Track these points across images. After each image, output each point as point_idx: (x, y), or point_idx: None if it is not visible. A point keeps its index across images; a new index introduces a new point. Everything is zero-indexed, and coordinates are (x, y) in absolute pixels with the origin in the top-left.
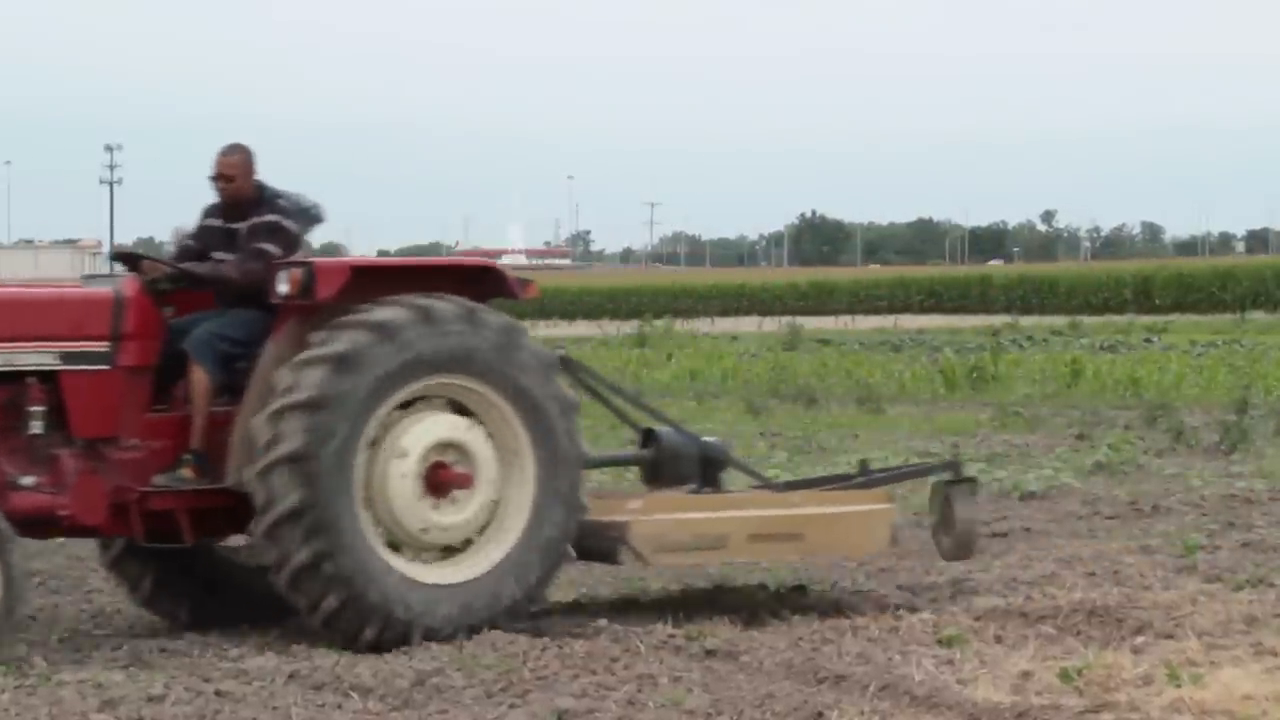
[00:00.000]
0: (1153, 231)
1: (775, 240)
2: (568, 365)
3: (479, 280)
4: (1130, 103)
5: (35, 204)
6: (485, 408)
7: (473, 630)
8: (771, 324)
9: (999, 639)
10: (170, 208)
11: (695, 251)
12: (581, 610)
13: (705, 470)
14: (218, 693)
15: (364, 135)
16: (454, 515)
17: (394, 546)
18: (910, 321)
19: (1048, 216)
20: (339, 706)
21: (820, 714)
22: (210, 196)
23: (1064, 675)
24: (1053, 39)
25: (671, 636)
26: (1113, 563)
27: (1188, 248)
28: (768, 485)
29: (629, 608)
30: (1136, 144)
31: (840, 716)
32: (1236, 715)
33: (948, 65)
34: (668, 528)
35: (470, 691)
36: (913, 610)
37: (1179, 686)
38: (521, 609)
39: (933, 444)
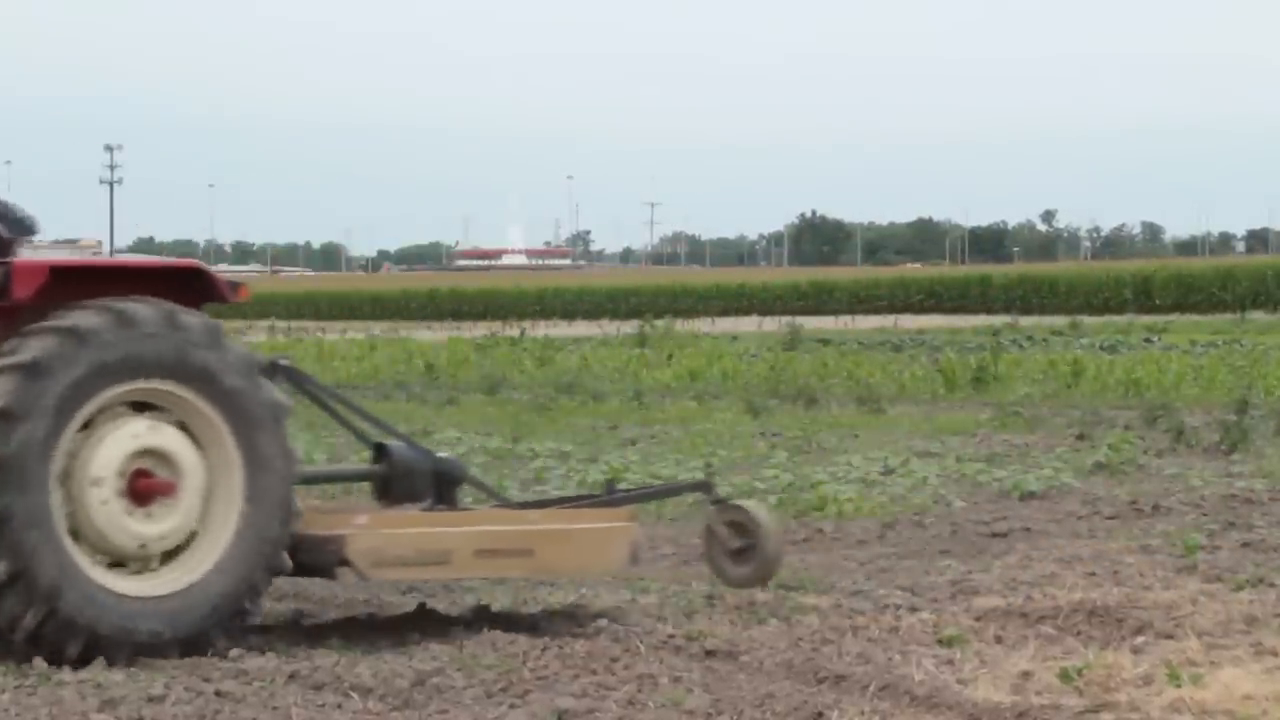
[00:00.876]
0: (1153, 231)
1: (775, 240)
2: (292, 377)
3: (187, 283)
4: (1130, 103)
5: (35, 203)
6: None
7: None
8: (771, 324)
9: (999, 639)
10: (170, 207)
11: (695, 251)
12: (581, 610)
13: (440, 487)
14: (218, 693)
15: (363, 135)
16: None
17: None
18: (910, 321)
19: (1048, 216)
20: (339, 706)
21: (820, 714)
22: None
23: (1064, 675)
24: (1053, 39)
25: (671, 637)
26: (1113, 563)
27: (1188, 247)
28: (506, 503)
29: (629, 608)
30: (1137, 144)
31: (840, 716)
32: (1237, 715)
33: (948, 66)
34: (387, 542)
35: (470, 691)
36: (913, 610)
37: (1179, 686)
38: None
39: (932, 444)
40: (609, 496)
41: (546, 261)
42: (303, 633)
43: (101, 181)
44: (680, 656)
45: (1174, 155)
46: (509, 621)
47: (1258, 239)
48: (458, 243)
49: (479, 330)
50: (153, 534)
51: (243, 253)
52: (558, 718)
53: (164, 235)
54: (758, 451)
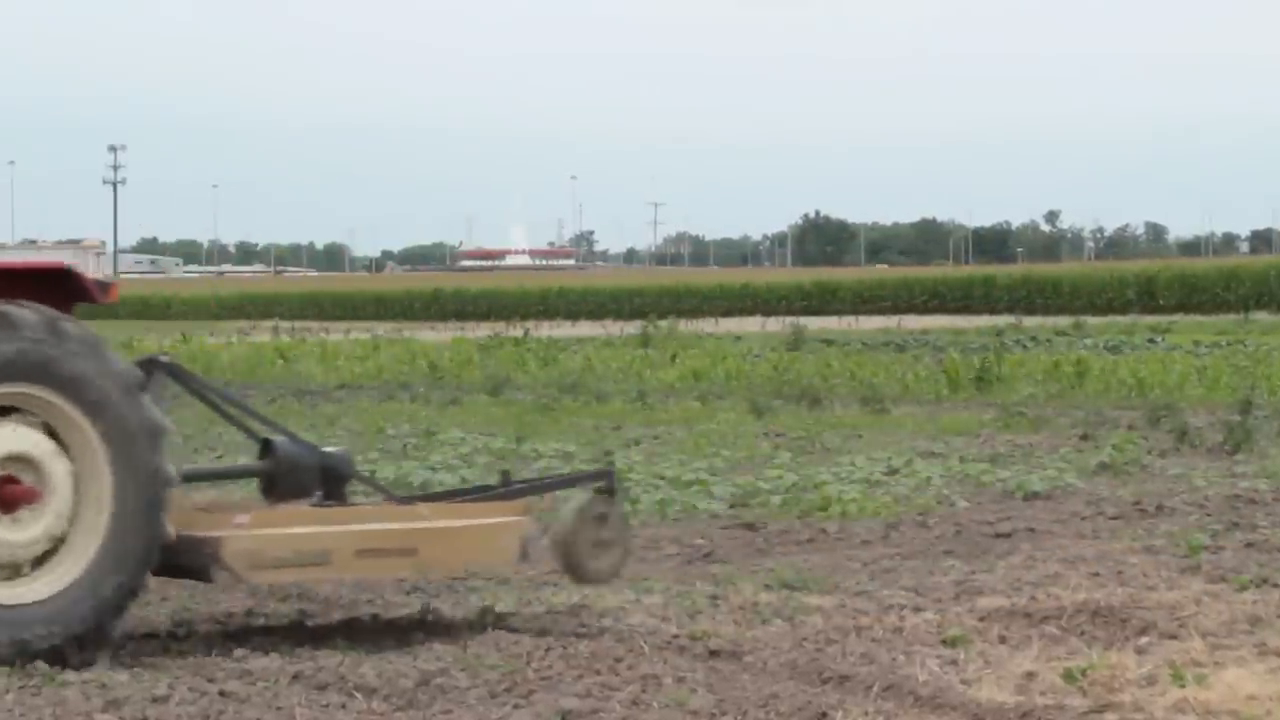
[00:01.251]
0: (1156, 232)
1: (779, 240)
2: (176, 374)
3: (57, 283)
4: (1134, 103)
5: (39, 204)
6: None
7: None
8: (775, 324)
9: (1003, 639)
10: (174, 208)
11: (699, 252)
12: (585, 610)
13: (327, 482)
14: (222, 693)
15: (368, 136)
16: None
17: None
18: (914, 322)
19: (1051, 217)
20: (343, 707)
21: (824, 714)
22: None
23: (1068, 675)
24: (1058, 40)
25: (675, 637)
26: (1117, 563)
27: (1191, 248)
28: (393, 498)
29: (633, 608)
30: (1140, 144)
31: (844, 717)
32: (1240, 715)
33: (952, 66)
34: (265, 543)
35: (474, 691)
36: (917, 610)
37: (1183, 687)
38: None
39: (936, 444)
40: (504, 488)
41: (550, 262)
42: (307, 633)
43: (105, 182)
44: (684, 657)
45: (1178, 155)
46: (513, 622)
47: (1261, 239)
48: (461, 243)
49: (483, 331)
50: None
51: (246, 253)
52: (562, 718)
53: (167, 236)
54: (761, 452)
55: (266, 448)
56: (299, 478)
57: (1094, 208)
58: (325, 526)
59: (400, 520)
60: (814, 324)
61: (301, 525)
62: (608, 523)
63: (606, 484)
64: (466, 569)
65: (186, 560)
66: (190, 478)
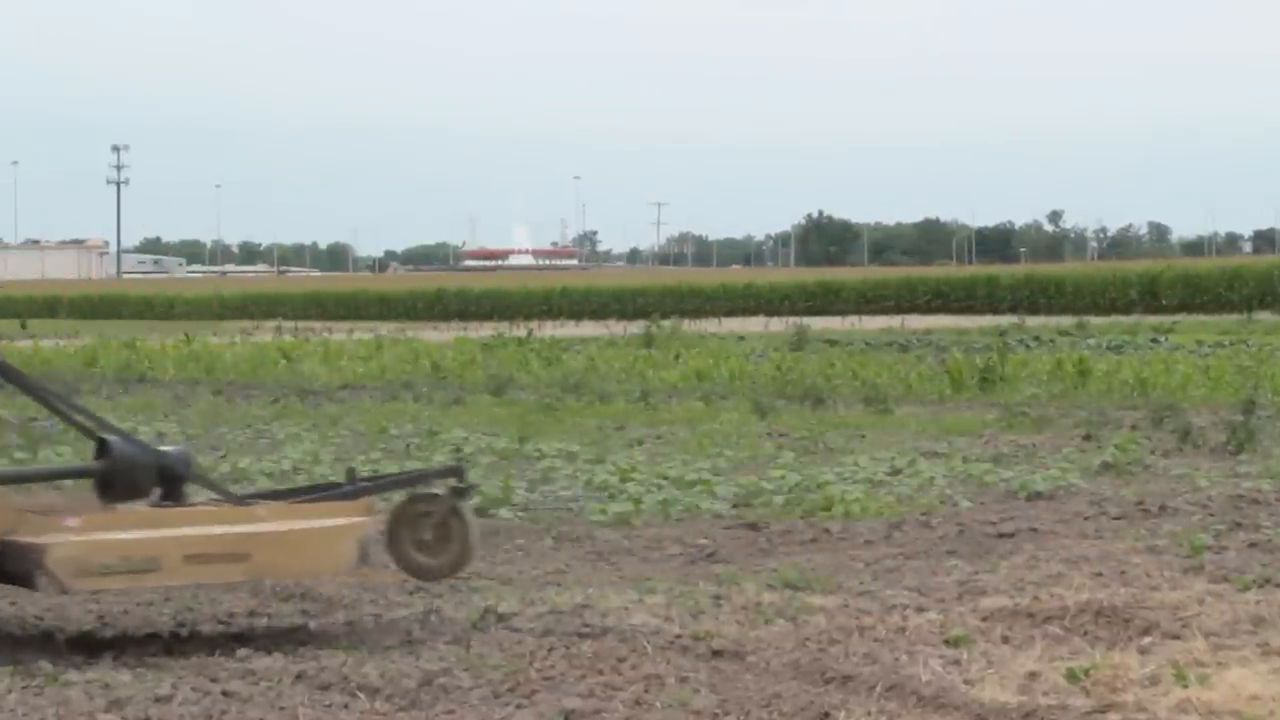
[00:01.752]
0: (1159, 232)
1: (782, 240)
2: (6, 374)
3: None
4: (1137, 103)
5: (42, 204)
6: None
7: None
8: (778, 324)
9: (1006, 639)
10: (176, 208)
11: (702, 251)
12: (588, 610)
13: (165, 483)
14: (225, 693)
15: (370, 136)
16: None
17: None
18: (917, 322)
19: (1054, 217)
20: (345, 706)
21: (827, 714)
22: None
23: (1071, 675)
24: (1060, 39)
25: (678, 637)
26: (1119, 563)
27: (1194, 248)
28: (232, 499)
29: (636, 608)
30: (1143, 144)
31: (847, 717)
32: (1244, 715)
33: (954, 66)
34: (90, 550)
35: (477, 692)
36: (919, 610)
37: (1186, 687)
38: None
39: (939, 444)
40: (348, 488)
41: (553, 262)
42: (309, 632)
43: (108, 182)
44: (687, 657)
45: (1181, 155)
46: (516, 621)
47: (1264, 239)
48: (464, 243)
49: (486, 330)
50: None
51: (250, 253)
52: (565, 718)
53: (170, 236)
54: (765, 452)
55: (102, 447)
56: (135, 478)
57: (1097, 208)
58: (155, 531)
59: (235, 523)
60: (817, 324)
61: (131, 529)
62: (434, 520)
63: (457, 480)
64: (303, 575)
65: (11, 567)
66: (19, 479)
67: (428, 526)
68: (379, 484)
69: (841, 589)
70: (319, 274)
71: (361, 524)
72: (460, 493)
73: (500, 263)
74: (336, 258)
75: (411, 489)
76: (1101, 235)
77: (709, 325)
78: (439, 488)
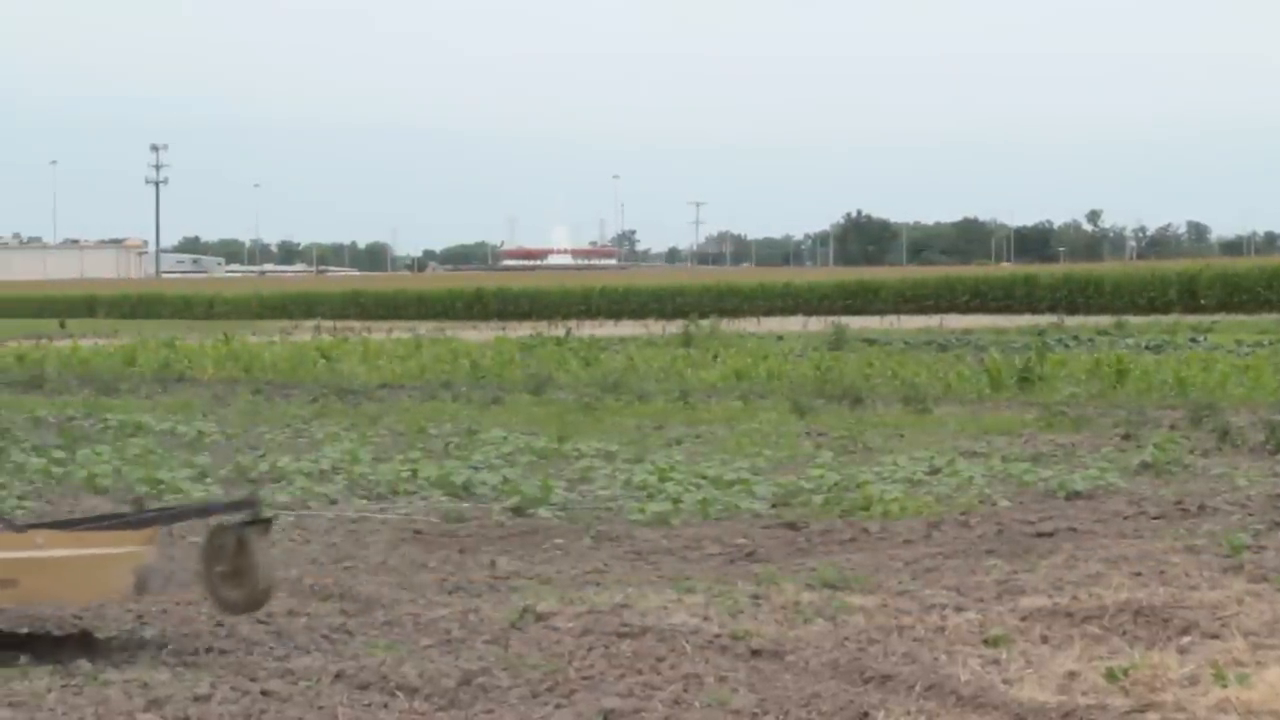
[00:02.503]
0: (1198, 231)
1: (821, 240)
2: None
3: None
4: (1176, 103)
5: (81, 204)
6: None
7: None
8: (817, 323)
9: (1045, 639)
10: (216, 207)
11: (740, 251)
12: (627, 610)
13: None
14: (264, 692)
15: (409, 136)
16: None
17: None
18: (956, 321)
19: (1093, 216)
20: (385, 706)
21: (866, 714)
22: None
23: (1110, 675)
24: (1100, 38)
25: (717, 636)
26: (1158, 562)
27: (1233, 247)
28: (13, 526)
29: (675, 607)
30: (1182, 144)
31: (886, 716)
32: None
33: (995, 65)
34: None
35: (516, 691)
36: (959, 610)
37: (1225, 686)
38: None
39: (978, 443)
40: (132, 518)
41: (592, 261)
42: (348, 632)
43: (147, 181)
44: (726, 656)
45: (1220, 155)
46: (555, 621)
47: None
48: (503, 243)
49: (524, 330)
50: None
51: (288, 252)
52: (603, 717)
53: (209, 235)
54: (803, 451)
55: None
56: None
57: (1136, 207)
58: None
59: (7, 549)
60: (856, 323)
61: None
62: (231, 554)
63: (252, 513)
64: (77, 602)
65: None
66: None
67: (224, 559)
68: (164, 515)
69: (880, 588)
70: (358, 273)
71: (138, 553)
72: (252, 525)
73: (539, 262)
74: (375, 257)
75: (214, 520)
76: (1140, 235)
77: (747, 325)
78: (232, 519)
